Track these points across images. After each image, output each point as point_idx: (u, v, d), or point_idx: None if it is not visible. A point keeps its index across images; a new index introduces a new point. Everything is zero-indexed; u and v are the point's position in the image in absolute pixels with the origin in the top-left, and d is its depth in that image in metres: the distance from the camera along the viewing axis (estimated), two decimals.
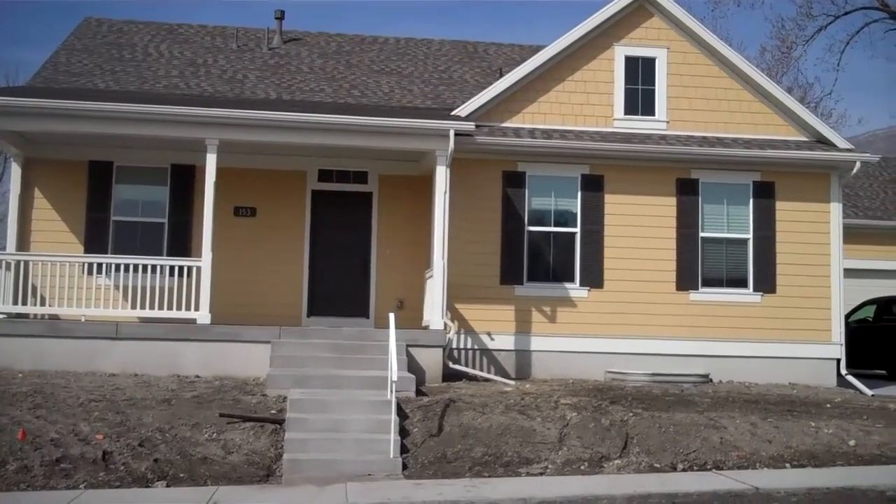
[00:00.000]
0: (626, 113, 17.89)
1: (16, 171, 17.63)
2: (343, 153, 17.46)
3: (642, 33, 18.06)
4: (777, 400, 14.80)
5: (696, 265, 17.59)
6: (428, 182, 17.27)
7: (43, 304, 15.86)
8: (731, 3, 39.14)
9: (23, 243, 17.34)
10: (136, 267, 15.63)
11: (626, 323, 17.23)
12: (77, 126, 15.58)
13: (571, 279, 17.41)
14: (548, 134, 17.40)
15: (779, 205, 17.86)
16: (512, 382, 15.73)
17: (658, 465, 11.93)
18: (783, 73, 39.09)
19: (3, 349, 14.59)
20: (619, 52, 17.96)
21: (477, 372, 16.40)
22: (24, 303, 15.60)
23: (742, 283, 17.74)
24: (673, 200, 17.68)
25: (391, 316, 13.38)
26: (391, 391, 12.25)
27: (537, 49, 19.29)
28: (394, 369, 12.24)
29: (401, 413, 12.52)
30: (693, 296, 17.53)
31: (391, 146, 16.33)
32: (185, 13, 73.00)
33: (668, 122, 17.93)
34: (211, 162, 15.56)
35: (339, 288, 17.94)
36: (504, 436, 12.23)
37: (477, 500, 10.18)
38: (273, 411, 12.53)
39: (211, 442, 11.55)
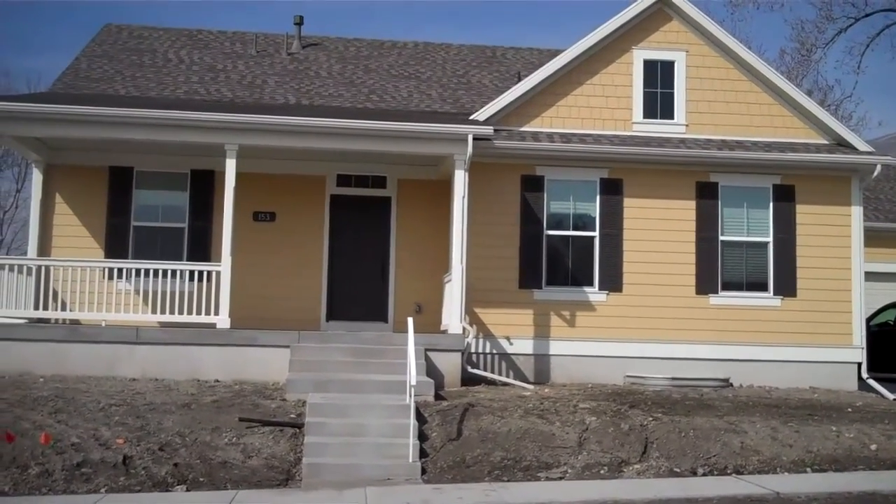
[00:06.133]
0: (644, 116, 17.84)
1: (37, 177, 17.77)
2: (362, 158, 17.48)
3: (661, 37, 18.01)
4: (798, 404, 14.72)
5: (715, 269, 17.52)
6: (446, 186, 17.27)
7: (64, 308, 15.98)
8: (751, 5, 38.98)
9: (44, 248, 17.45)
10: (156, 272, 15.73)
11: (646, 327, 17.16)
12: (97, 132, 15.66)
13: (590, 283, 17.38)
14: (566, 138, 17.38)
15: (799, 208, 17.77)
16: (531, 387, 15.71)
17: (678, 470, 11.89)
18: (803, 76, 38.99)
19: (25, 354, 14.66)
20: (638, 56, 17.92)
21: (496, 376, 16.38)
22: (46, 308, 15.70)
23: (762, 286, 17.65)
24: (692, 204, 17.62)
25: (410, 320, 13.37)
26: (410, 395, 12.25)
27: (556, 53, 19.28)
28: (412, 374, 12.25)
29: (420, 417, 12.52)
30: (713, 300, 17.46)
31: (410, 151, 16.35)
32: (204, 19, 73.31)
33: (687, 125, 17.88)
34: (230, 167, 15.61)
35: (358, 292, 17.96)
36: (523, 440, 12.22)
37: None
38: (292, 415, 12.56)
39: (231, 446, 11.58)
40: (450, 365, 15.31)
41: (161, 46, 22.05)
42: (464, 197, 15.96)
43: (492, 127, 16.63)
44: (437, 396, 13.92)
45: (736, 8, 42.52)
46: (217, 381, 14.62)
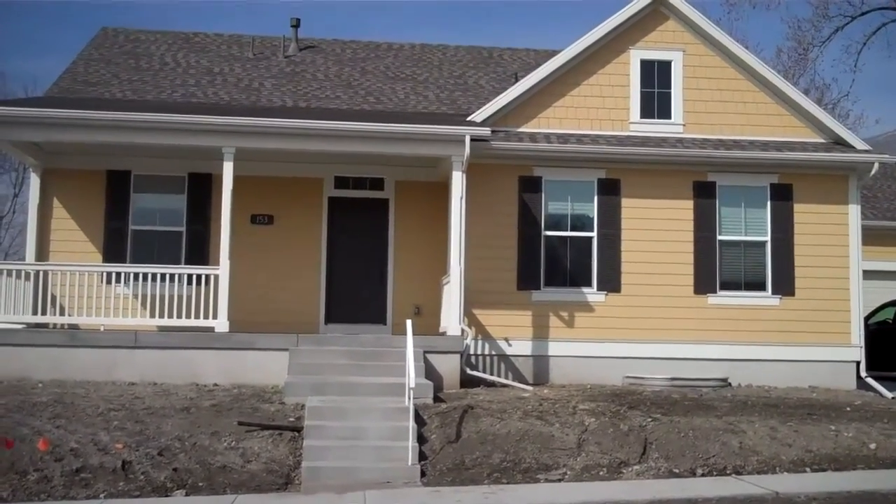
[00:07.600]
0: (642, 116, 17.84)
1: (35, 182, 17.75)
2: (359, 160, 17.48)
3: (658, 36, 18.02)
4: (796, 403, 14.72)
5: (713, 268, 17.52)
6: (444, 188, 17.27)
7: (62, 313, 15.94)
8: (747, 4, 39.04)
9: (42, 253, 17.44)
10: (154, 276, 15.71)
11: (644, 327, 17.16)
12: (94, 136, 15.67)
13: (589, 284, 17.37)
14: (564, 138, 17.37)
15: (797, 207, 17.77)
16: (530, 388, 15.71)
17: (677, 471, 11.88)
18: (800, 75, 39.03)
19: (24, 359, 14.66)
20: (635, 56, 17.92)
21: (495, 378, 16.37)
22: (44, 312, 15.65)
23: (760, 286, 17.65)
24: (690, 203, 17.62)
25: (408, 322, 13.36)
26: (409, 398, 12.24)
27: (553, 54, 19.27)
28: (411, 376, 12.24)
29: (419, 420, 12.51)
30: (711, 299, 17.46)
31: (407, 152, 16.35)
32: (201, 22, 73.27)
33: (684, 125, 17.87)
34: (228, 170, 15.61)
35: (357, 295, 17.96)
36: (522, 442, 12.21)
37: None
38: (291, 419, 12.55)
39: (230, 450, 11.57)
40: (449, 367, 15.30)
41: (158, 50, 22.04)
42: (461, 198, 15.95)
43: (489, 128, 16.64)
44: (436, 398, 13.90)
45: (732, 7, 42.51)
46: (216, 384, 14.61)
